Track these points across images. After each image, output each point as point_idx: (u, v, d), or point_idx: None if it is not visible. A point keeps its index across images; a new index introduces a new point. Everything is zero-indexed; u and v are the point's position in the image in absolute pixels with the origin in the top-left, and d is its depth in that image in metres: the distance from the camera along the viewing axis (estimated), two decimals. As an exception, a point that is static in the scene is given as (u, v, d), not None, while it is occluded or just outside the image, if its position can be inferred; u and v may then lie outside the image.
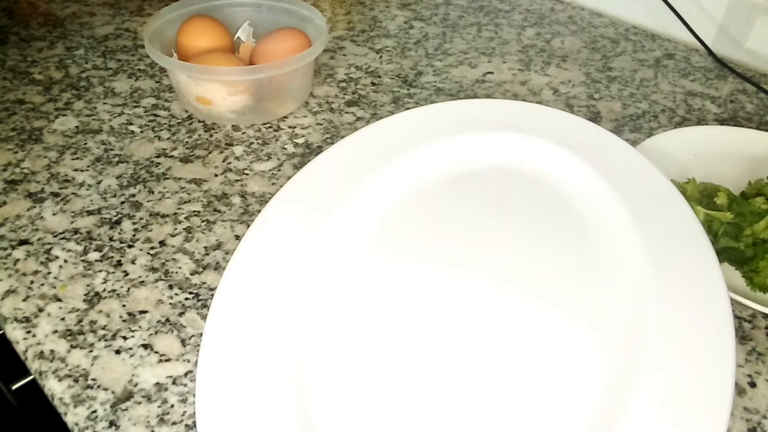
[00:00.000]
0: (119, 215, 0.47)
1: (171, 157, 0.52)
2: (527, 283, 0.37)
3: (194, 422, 0.34)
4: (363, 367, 0.34)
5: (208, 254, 0.44)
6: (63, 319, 0.39)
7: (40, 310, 0.40)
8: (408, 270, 0.38)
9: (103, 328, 0.39)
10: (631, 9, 0.76)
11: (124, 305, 0.40)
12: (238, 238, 0.45)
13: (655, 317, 0.33)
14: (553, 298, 0.36)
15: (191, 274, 0.42)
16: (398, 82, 0.63)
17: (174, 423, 0.34)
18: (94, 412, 0.34)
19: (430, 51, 0.69)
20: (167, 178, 0.50)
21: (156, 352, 0.37)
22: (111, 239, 0.45)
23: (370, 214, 0.41)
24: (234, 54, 0.57)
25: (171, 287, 0.41)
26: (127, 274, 0.42)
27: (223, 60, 0.54)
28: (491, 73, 0.66)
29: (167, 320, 0.39)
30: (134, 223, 0.46)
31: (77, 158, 0.52)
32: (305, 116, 0.58)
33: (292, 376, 0.33)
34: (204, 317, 0.39)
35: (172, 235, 0.45)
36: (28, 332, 0.38)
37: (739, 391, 0.37)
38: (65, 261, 0.43)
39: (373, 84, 0.63)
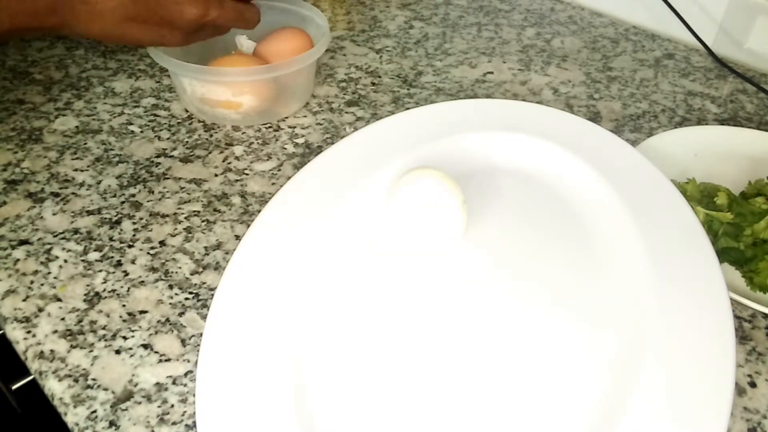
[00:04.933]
0: (119, 215, 0.47)
1: (171, 157, 0.52)
2: (527, 283, 0.37)
3: (194, 422, 0.34)
4: (363, 366, 0.34)
5: (208, 254, 0.44)
6: (63, 319, 0.39)
7: (40, 310, 0.40)
8: (407, 270, 0.38)
9: (103, 328, 0.39)
10: (631, 9, 0.76)
11: (124, 305, 0.40)
12: (238, 238, 0.45)
13: (655, 317, 0.33)
14: (553, 298, 0.36)
15: (191, 274, 0.42)
16: (398, 82, 0.63)
17: (174, 423, 0.34)
18: (94, 412, 0.34)
19: (430, 51, 0.69)
20: (167, 178, 0.50)
21: (156, 352, 0.37)
22: (111, 239, 0.45)
23: (370, 214, 0.41)
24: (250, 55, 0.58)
25: (171, 287, 0.41)
26: (127, 274, 0.42)
27: (233, 60, 0.55)
28: (491, 73, 0.66)
29: (167, 320, 0.39)
30: (134, 223, 0.46)
31: (77, 158, 0.52)
32: (305, 116, 0.58)
33: (292, 376, 0.33)
34: (204, 317, 0.39)
35: (172, 235, 0.45)
36: (28, 332, 0.38)
37: (739, 391, 0.37)
38: (65, 261, 0.43)
39: (373, 84, 0.63)
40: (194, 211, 0.47)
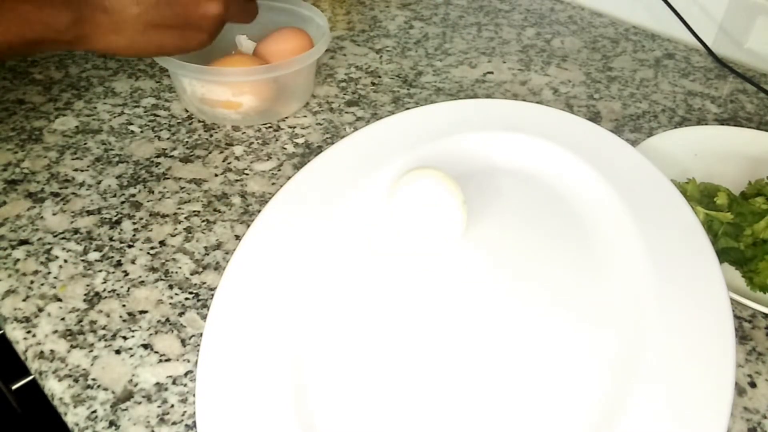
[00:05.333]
0: (119, 215, 0.47)
1: (171, 157, 0.52)
2: (527, 283, 0.37)
3: (194, 422, 0.34)
4: (363, 366, 0.34)
5: (208, 254, 0.44)
6: (63, 319, 0.39)
7: (40, 310, 0.40)
8: (407, 270, 0.38)
9: (103, 328, 0.39)
10: (631, 9, 0.76)
11: (124, 305, 0.40)
12: (238, 238, 0.45)
13: (655, 317, 0.33)
14: (553, 298, 0.36)
15: (191, 274, 0.42)
16: (398, 82, 0.63)
17: (174, 423, 0.34)
18: (94, 412, 0.34)
19: (430, 51, 0.69)
20: (167, 178, 0.50)
21: (156, 352, 0.37)
22: (111, 239, 0.45)
23: (370, 214, 0.41)
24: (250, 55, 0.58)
25: (171, 287, 0.41)
26: (127, 274, 0.42)
27: (233, 60, 0.55)
28: (491, 73, 0.66)
29: (167, 320, 0.39)
30: (134, 223, 0.46)
31: (77, 158, 0.52)
32: (305, 116, 0.58)
33: (292, 376, 0.33)
34: (204, 317, 0.39)
35: (172, 235, 0.45)
36: (28, 332, 0.38)
37: (739, 391, 0.37)
38: (65, 261, 0.43)
39: (373, 84, 0.63)
40: (194, 211, 0.47)
